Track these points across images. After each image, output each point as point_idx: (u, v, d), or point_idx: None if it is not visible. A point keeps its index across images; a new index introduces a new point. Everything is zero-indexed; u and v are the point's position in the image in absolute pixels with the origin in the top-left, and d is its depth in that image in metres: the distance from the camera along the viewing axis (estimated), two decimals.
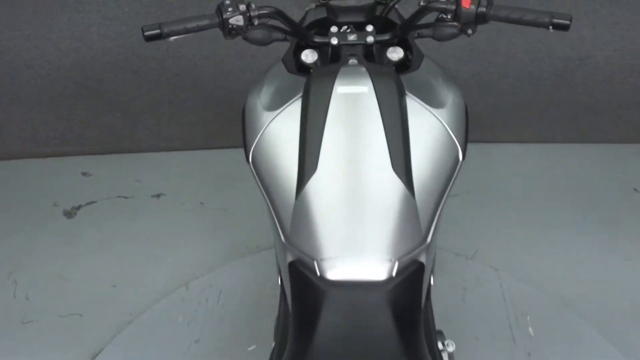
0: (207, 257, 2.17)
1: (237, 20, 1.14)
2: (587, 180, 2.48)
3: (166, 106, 2.73)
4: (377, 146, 1.02)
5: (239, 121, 1.26)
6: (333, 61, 1.30)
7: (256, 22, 1.17)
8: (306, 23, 1.40)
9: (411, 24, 1.25)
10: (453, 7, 1.14)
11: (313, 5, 1.43)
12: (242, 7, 1.13)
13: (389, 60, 1.30)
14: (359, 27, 1.34)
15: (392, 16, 1.38)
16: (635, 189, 2.41)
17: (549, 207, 2.33)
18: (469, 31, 1.17)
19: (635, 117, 2.71)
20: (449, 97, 1.19)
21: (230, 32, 1.15)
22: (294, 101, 1.14)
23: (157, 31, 1.11)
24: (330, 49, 1.29)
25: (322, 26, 1.37)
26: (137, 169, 2.68)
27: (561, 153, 2.66)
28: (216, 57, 2.55)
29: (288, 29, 1.25)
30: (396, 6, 1.37)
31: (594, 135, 2.74)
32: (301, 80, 1.19)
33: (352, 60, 1.20)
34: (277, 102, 1.16)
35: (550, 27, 1.10)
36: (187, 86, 2.66)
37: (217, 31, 1.16)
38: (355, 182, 1.00)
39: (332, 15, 1.39)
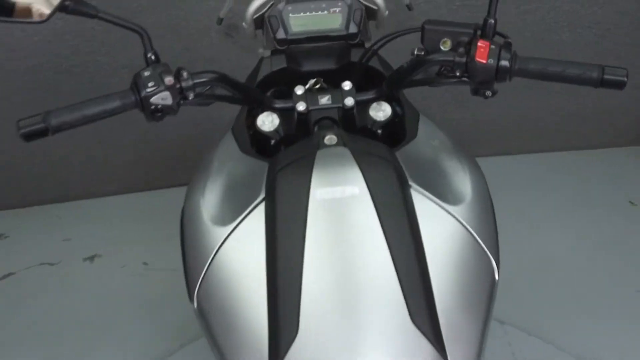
0: (154, 344, 1.78)
1: (163, 98, 0.78)
2: (581, 192, 2.25)
3: (97, 146, 2.32)
4: (385, 285, 0.69)
5: (184, 164, 0.91)
6: (300, 130, 0.96)
7: (191, 95, 0.81)
8: (261, 77, 1.05)
9: (403, 79, 0.92)
10: (463, 60, 0.82)
11: (268, 52, 1.08)
12: (169, 79, 0.78)
13: (374, 121, 0.97)
14: (331, 78, 1.01)
15: (374, 62, 1.05)
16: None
17: (551, 233, 2.07)
18: (487, 93, 0.85)
19: (619, 121, 2.50)
20: (467, 182, 0.87)
21: (153, 114, 0.79)
22: (254, 208, 0.79)
23: (41, 126, 0.75)
24: (296, 115, 0.95)
25: (282, 80, 1.04)
26: (65, 224, 2.27)
27: (550, 162, 2.43)
28: None
29: (238, 97, 0.91)
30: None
31: (578, 142, 2.52)
32: (261, 167, 0.85)
33: (329, 137, 0.86)
34: (231, 210, 0.82)
35: (600, 84, 0.80)
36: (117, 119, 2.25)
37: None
38: (358, 349, 0.66)
39: (295, 64, 1.05)
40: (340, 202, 0.74)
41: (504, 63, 0.81)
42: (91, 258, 2.11)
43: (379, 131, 1.03)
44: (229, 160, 0.93)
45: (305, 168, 0.78)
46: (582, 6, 2.22)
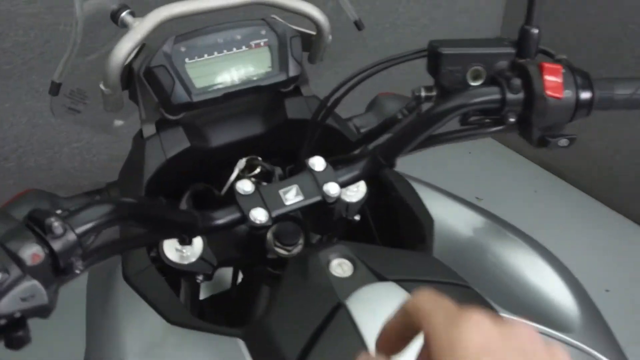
0: None
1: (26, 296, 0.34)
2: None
3: None
4: None
5: None
6: (249, 250, 0.57)
7: (79, 266, 0.38)
8: (150, 172, 0.62)
9: (408, 141, 0.56)
10: (520, 97, 0.48)
11: (151, 128, 0.65)
12: (32, 251, 0.36)
13: (346, 205, 0.61)
14: (262, 150, 0.63)
15: (332, 120, 0.68)
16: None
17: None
18: (562, 141, 0.53)
19: None
20: (559, 285, 0.56)
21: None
22: None
23: None
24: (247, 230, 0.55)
25: (181, 170, 0.63)
26: None
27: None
28: None
29: (150, 234, 0.49)
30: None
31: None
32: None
33: (338, 261, 0.48)
34: None
35: None
36: None
37: None
38: None
39: (200, 139, 0.66)
40: None
41: (586, 95, 0.49)
42: None
43: (356, 218, 0.65)
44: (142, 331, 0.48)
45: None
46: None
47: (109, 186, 0.67)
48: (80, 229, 0.42)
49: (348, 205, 0.64)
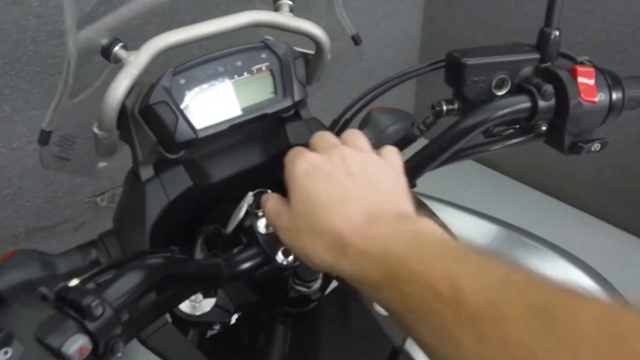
0: None
1: None
2: None
3: None
4: None
5: None
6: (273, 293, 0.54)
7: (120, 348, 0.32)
8: (153, 217, 0.58)
9: (434, 158, 0.55)
10: (552, 103, 0.49)
11: (149, 170, 0.60)
12: (80, 344, 0.28)
13: None
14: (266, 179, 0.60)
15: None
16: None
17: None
18: (595, 146, 0.54)
19: None
20: None
21: None
22: None
23: None
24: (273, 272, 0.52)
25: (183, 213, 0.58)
26: None
27: None
28: None
29: (190, 288, 0.43)
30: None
31: None
32: None
33: None
34: None
35: None
36: None
37: None
38: None
39: (202, 176, 0.63)
40: None
41: (618, 96, 0.50)
42: None
43: None
44: None
45: None
46: None
47: (102, 237, 0.60)
48: (116, 304, 0.37)
49: None
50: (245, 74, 0.58)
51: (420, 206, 0.63)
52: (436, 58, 0.55)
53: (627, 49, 1.80)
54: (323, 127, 0.67)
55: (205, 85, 0.56)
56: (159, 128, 0.54)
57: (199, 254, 0.55)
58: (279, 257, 0.50)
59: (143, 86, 0.55)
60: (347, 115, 0.59)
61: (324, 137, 0.49)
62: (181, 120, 0.54)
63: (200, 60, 0.56)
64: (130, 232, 0.58)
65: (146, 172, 0.57)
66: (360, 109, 0.57)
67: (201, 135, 0.55)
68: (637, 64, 1.79)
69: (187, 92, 0.55)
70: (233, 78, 0.58)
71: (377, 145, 0.80)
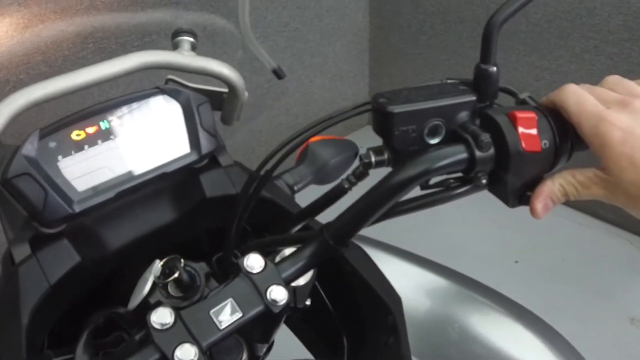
0: None
1: None
2: None
3: None
4: None
5: None
6: None
7: None
8: (29, 304, 0.48)
9: (366, 218, 0.47)
10: (490, 154, 0.42)
11: (25, 249, 0.50)
12: None
13: (294, 291, 0.52)
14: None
15: (265, 190, 0.57)
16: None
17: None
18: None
19: None
20: None
21: None
22: None
23: None
24: None
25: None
26: None
27: None
28: None
29: None
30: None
31: None
32: None
33: None
34: None
35: None
36: None
37: None
38: None
39: (92, 248, 0.53)
40: None
41: (566, 143, 0.43)
42: None
43: (307, 303, 0.55)
44: None
45: None
46: None
47: None
48: None
49: (295, 289, 0.53)
50: (136, 128, 0.49)
51: (353, 249, 0.55)
52: (362, 101, 0.47)
53: (570, 35, 1.76)
54: (246, 173, 0.59)
55: (85, 147, 0.47)
56: (24, 203, 0.45)
57: (81, 358, 0.46)
58: (178, 357, 0.41)
59: (5, 150, 0.45)
60: (269, 166, 0.51)
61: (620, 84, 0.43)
62: (51, 194, 0.44)
63: (76, 117, 0.47)
64: (3, 329, 0.48)
65: (20, 252, 0.48)
66: (283, 158, 0.48)
67: (78, 209, 0.46)
68: (580, 50, 1.76)
69: (59, 157, 0.46)
70: (121, 134, 0.48)
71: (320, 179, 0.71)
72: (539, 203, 0.44)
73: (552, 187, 0.43)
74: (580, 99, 0.42)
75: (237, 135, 2.00)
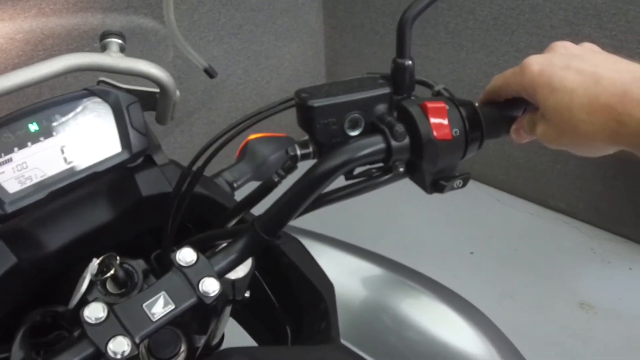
0: None
1: None
2: None
3: None
4: None
5: None
6: None
7: None
8: None
9: (294, 209, 0.49)
10: (405, 143, 0.45)
11: None
12: None
13: (233, 284, 0.54)
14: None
15: (200, 186, 0.58)
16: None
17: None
18: (457, 182, 0.49)
19: None
20: None
21: None
22: None
23: None
24: None
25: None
26: None
27: None
28: None
29: None
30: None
31: None
32: None
33: None
34: None
35: None
36: None
37: None
38: None
39: (29, 248, 0.54)
40: None
41: (476, 132, 0.46)
42: None
43: (246, 295, 0.57)
44: None
45: None
46: None
47: None
48: None
49: (234, 282, 0.55)
50: (67, 129, 0.50)
51: (288, 241, 0.57)
52: (287, 97, 0.49)
53: (515, 31, 1.82)
54: (181, 170, 0.60)
55: (15, 149, 0.47)
56: None
57: (17, 354, 0.47)
58: (111, 350, 0.42)
59: None
60: (201, 162, 0.52)
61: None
62: None
63: (4, 119, 0.47)
64: None
65: None
66: (214, 153, 0.50)
67: (10, 209, 0.47)
68: (525, 45, 1.82)
69: None
70: (51, 136, 0.49)
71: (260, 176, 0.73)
72: (514, 132, 0.48)
73: (522, 120, 0.47)
74: (502, 73, 0.46)
75: (195, 140, 2.00)
